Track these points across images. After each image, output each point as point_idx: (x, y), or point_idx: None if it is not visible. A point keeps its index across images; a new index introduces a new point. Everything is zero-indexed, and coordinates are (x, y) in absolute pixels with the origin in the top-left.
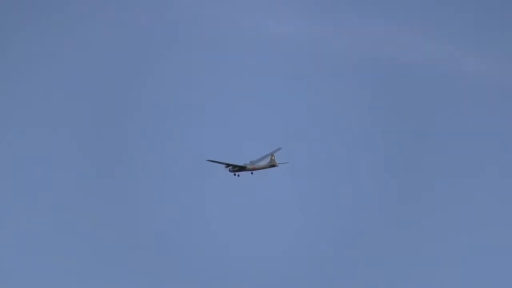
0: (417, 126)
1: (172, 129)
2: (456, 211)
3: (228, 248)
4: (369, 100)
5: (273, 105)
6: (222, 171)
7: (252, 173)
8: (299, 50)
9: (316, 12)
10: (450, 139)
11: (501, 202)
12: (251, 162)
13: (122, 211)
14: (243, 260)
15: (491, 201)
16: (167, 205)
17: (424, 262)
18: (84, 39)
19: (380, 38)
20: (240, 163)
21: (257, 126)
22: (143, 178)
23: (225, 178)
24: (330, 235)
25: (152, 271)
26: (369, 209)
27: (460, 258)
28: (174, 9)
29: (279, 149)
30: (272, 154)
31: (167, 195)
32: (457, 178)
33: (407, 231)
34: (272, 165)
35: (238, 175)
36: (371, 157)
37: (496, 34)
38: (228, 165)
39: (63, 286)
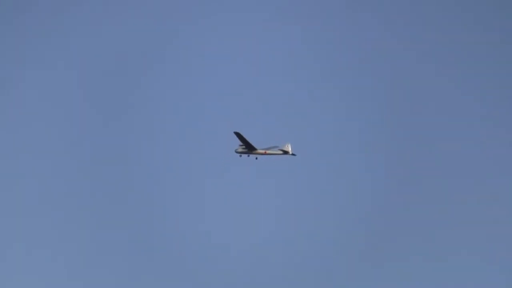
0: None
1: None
2: (458, 211)
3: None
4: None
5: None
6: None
7: (256, 158)
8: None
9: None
10: (453, 137)
11: (500, 203)
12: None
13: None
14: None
15: (491, 201)
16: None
17: (426, 262)
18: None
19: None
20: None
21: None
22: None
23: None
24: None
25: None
26: (370, 207)
27: (460, 259)
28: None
29: (276, 146)
30: (283, 145)
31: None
32: (458, 178)
33: (410, 230)
34: (285, 151)
35: (248, 155)
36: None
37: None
38: (244, 143)
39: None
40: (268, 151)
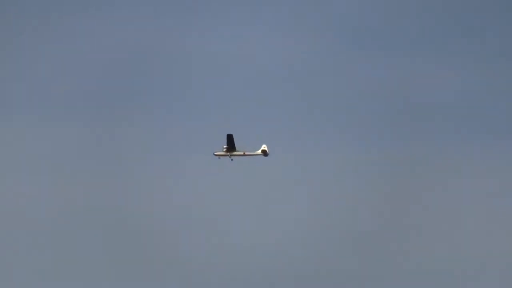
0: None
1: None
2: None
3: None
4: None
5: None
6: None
7: (232, 159)
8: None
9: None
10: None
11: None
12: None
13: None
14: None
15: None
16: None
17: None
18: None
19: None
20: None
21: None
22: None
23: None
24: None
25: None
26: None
27: (459, 259)
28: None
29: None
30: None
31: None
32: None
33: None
34: (263, 151)
35: (231, 158)
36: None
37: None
38: (230, 145)
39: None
40: (247, 152)
